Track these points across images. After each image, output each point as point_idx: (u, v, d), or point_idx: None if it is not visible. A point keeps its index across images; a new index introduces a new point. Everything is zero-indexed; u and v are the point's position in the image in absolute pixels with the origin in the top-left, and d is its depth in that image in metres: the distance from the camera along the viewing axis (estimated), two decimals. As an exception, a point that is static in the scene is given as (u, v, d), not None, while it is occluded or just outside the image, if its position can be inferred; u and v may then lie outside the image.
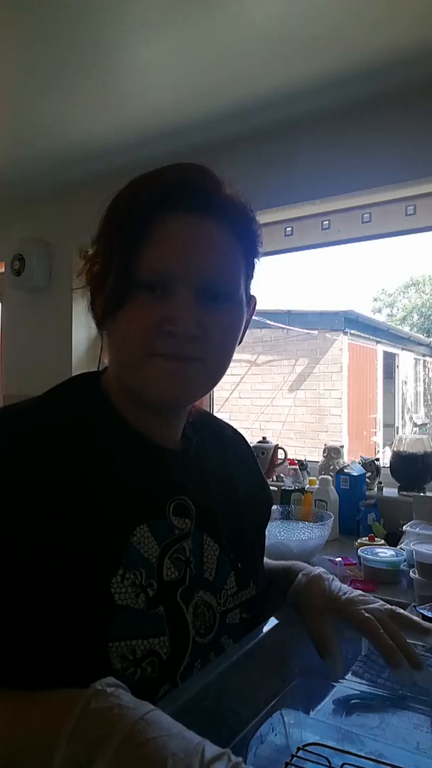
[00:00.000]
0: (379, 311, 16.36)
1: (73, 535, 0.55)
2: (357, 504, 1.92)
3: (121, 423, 0.65)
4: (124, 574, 0.56)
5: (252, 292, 0.68)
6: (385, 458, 2.24)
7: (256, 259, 0.66)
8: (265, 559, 0.81)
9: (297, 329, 7.31)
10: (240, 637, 0.64)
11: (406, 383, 8.99)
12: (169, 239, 0.57)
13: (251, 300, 0.68)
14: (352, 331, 7.24)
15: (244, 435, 0.86)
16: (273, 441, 2.36)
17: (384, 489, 2.03)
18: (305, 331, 7.25)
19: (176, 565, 0.61)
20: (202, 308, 0.58)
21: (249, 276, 0.65)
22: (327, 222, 2.13)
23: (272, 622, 0.65)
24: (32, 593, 0.52)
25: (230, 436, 0.82)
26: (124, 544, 0.58)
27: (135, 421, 0.65)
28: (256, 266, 0.66)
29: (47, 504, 0.55)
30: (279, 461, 2.32)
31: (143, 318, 0.58)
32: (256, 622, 0.67)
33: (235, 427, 0.86)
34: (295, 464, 2.16)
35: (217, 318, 0.60)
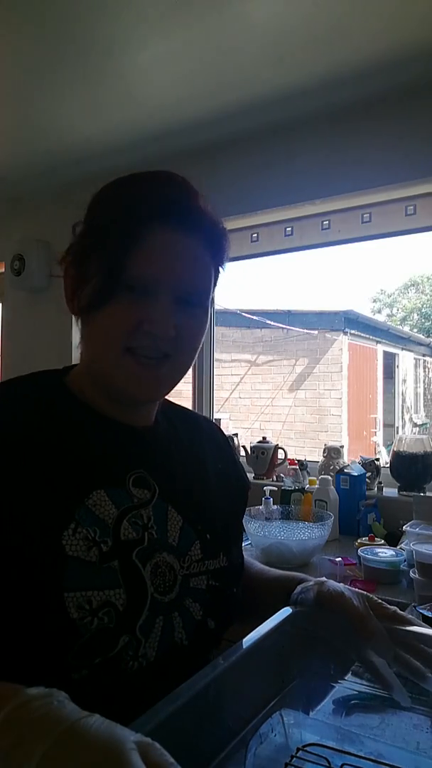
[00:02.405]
0: (379, 312, 16.32)
1: (25, 495, 0.61)
2: (357, 504, 1.92)
3: (86, 406, 0.71)
4: (76, 528, 0.61)
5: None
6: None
7: (221, 268, 0.74)
8: (261, 566, 0.89)
9: (297, 329, 7.31)
10: (207, 602, 0.70)
11: (405, 382, 8.98)
12: (156, 251, 0.65)
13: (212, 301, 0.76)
14: (352, 331, 7.24)
15: (222, 428, 0.93)
16: (273, 441, 2.35)
17: (384, 489, 2.03)
18: (305, 331, 7.24)
19: (134, 527, 0.66)
20: (178, 312, 0.66)
21: (215, 284, 0.74)
22: (327, 222, 2.13)
23: (285, 611, 0.68)
24: None
25: (205, 424, 0.90)
26: (78, 504, 0.63)
27: (104, 407, 0.71)
28: (220, 274, 0.74)
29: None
30: (279, 461, 2.31)
31: (124, 317, 0.65)
32: (226, 592, 0.73)
33: (222, 423, 0.90)
34: (295, 464, 2.15)
35: (190, 321, 0.68)
